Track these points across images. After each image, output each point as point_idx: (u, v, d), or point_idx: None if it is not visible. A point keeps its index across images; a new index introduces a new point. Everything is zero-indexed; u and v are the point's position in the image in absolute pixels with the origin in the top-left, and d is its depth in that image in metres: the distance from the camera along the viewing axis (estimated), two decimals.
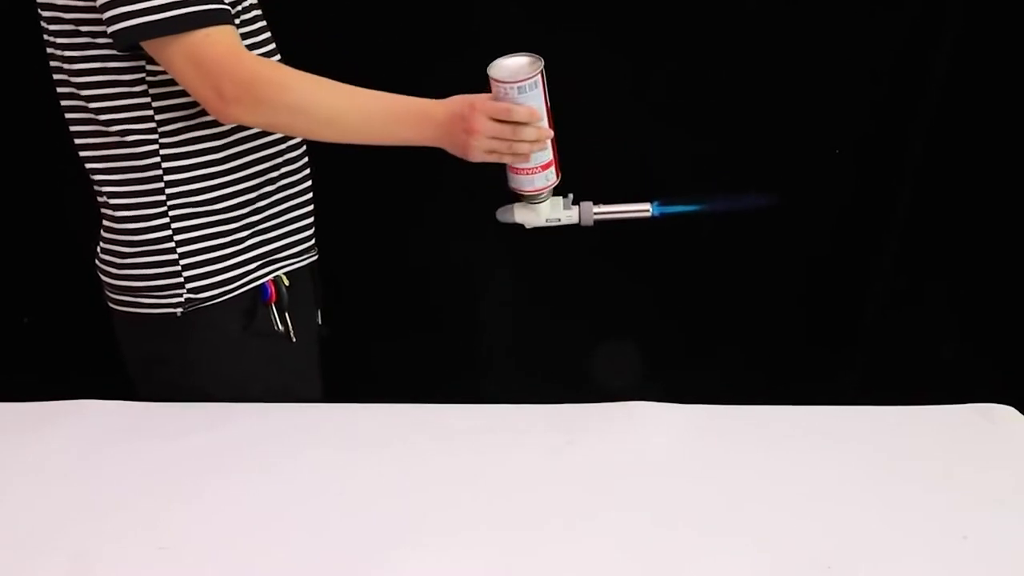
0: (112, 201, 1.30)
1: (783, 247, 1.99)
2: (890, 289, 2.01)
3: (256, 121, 1.23)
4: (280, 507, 1.07)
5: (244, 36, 1.23)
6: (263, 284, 1.35)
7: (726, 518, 1.03)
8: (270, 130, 1.30)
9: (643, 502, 1.06)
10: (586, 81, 1.77)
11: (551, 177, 1.27)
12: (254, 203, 1.33)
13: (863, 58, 1.86)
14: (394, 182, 1.88)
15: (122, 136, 1.25)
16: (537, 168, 1.25)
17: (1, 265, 2.04)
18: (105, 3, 1.14)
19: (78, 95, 1.24)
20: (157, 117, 1.24)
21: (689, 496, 1.07)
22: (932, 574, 0.95)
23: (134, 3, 1.13)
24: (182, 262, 1.30)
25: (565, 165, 1.28)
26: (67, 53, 1.22)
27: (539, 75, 1.19)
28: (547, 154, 1.25)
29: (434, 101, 1.22)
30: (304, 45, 1.39)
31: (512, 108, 1.19)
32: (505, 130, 1.20)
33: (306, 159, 1.41)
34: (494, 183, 1.30)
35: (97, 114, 1.24)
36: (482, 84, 1.21)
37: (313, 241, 1.46)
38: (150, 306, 1.32)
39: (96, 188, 1.32)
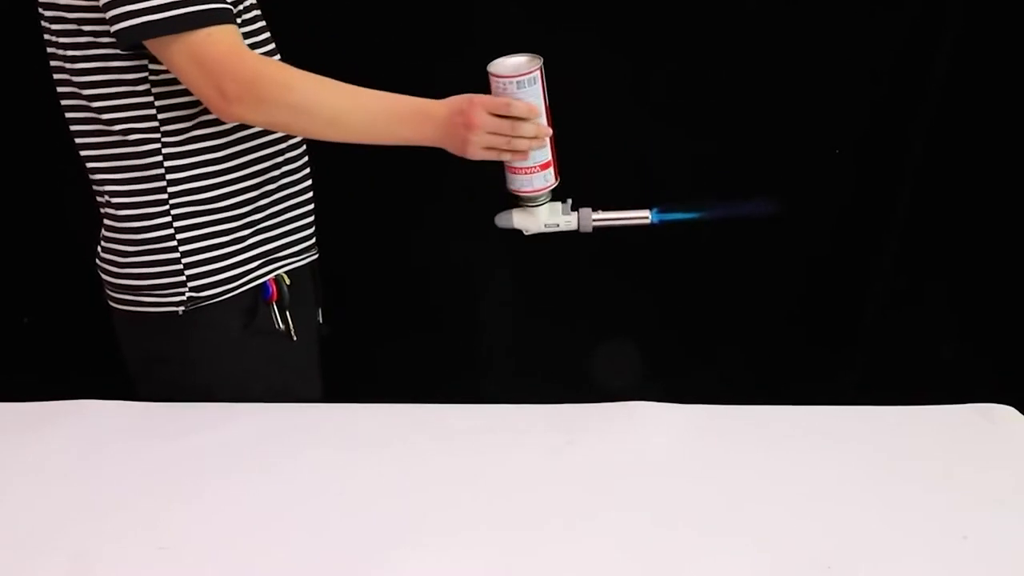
0: (114, 200, 1.30)
1: (783, 247, 1.99)
2: (890, 289, 2.01)
3: (258, 120, 1.23)
4: (280, 507, 1.07)
5: (244, 36, 1.23)
6: (264, 283, 1.35)
7: (726, 518, 1.03)
8: (272, 129, 1.30)
9: (643, 502, 1.06)
10: (586, 81, 1.77)
11: (550, 178, 1.27)
12: (256, 202, 1.33)
13: (863, 58, 1.86)
14: (395, 182, 1.88)
15: (124, 135, 1.25)
16: (536, 168, 1.25)
17: (1, 265, 2.04)
18: (108, 2, 1.14)
19: (80, 95, 1.24)
20: (159, 116, 1.24)
21: (689, 496, 1.07)
22: (932, 574, 0.95)
23: (137, 2, 1.13)
24: (184, 260, 1.30)
25: (564, 165, 1.28)
26: (69, 53, 1.22)
27: (538, 71, 1.19)
28: (546, 153, 1.25)
29: (435, 100, 1.22)
30: (304, 45, 1.39)
31: (511, 102, 1.19)
32: (504, 125, 1.20)
33: (307, 158, 1.41)
34: (494, 183, 1.30)
35: (99, 113, 1.24)
36: (482, 85, 1.21)
37: (314, 240, 1.46)
38: (152, 305, 1.32)
39: (97, 188, 1.32)
